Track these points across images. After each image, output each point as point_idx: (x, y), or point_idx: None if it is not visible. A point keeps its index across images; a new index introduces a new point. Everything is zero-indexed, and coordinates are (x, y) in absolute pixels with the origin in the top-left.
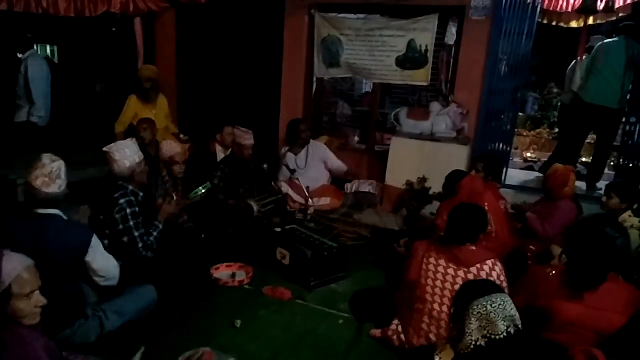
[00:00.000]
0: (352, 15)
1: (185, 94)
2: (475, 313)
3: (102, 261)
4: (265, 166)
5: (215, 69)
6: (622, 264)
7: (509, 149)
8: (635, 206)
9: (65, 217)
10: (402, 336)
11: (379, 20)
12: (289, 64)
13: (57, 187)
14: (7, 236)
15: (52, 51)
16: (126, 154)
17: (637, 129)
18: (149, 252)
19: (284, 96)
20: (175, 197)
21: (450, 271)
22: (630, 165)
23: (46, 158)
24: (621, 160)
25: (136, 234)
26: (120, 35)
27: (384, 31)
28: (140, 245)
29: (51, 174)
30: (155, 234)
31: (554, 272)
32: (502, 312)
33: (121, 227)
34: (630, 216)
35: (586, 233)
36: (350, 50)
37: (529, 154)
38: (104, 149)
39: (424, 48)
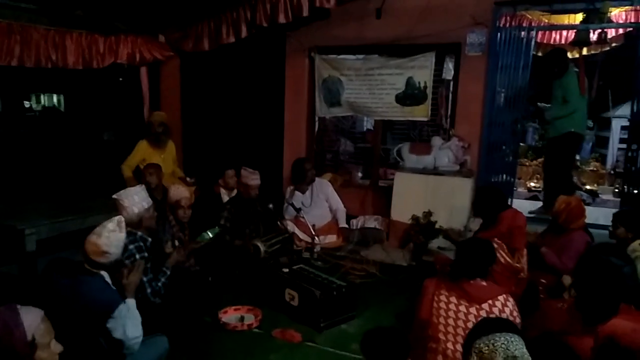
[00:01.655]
0: (351, 56)
1: (190, 137)
2: (476, 352)
3: (122, 334)
4: (270, 206)
5: (218, 112)
6: (632, 293)
7: (512, 179)
8: None
9: (107, 279)
10: None
11: (377, 60)
12: (291, 104)
13: (105, 259)
14: (51, 281)
15: (58, 100)
16: (135, 201)
17: None
18: (157, 298)
19: (287, 136)
20: (184, 240)
21: (462, 308)
22: (635, 191)
23: (105, 229)
24: (625, 187)
25: (145, 279)
26: (127, 84)
27: (383, 70)
28: (149, 290)
29: (102, 245)
30: (163, 279)
31: (565, 306)
32: (503, 351)
33: None
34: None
35: (591, 265)
36: (350, 89)
37: (532, 184)
38: (114, 196)
39: (422, 84)
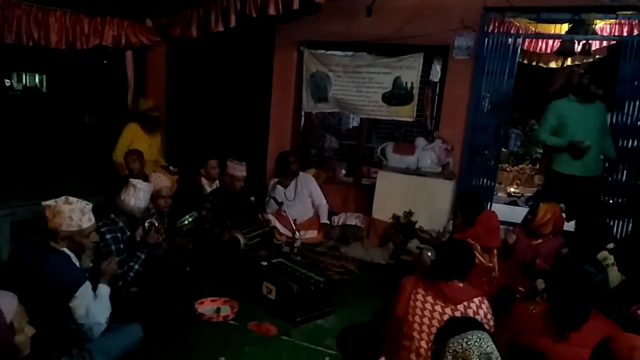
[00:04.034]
0: (339, 53)
1: (174, 125)
2: (450, 350)
3: (83, 315)
4: (252, 198)
5: (204, 101)
6: (602, 300)
7: (493, 184)
8: (611, 245)
9: (72, 257)
10: None
11: (366, 58)
12: (277, 98)
13: (56, 225)
14: (16, 258)
15: (40, 80)
16: (139, 196)
17: None
18: (130, 288)
19: (272, 129)
20: (158, 224)
21: (438, 308)
22: (611, 201)
23: (60, 200)
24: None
25: (119, 271)
26: (111, 67)
27: (371, 68)
28: (120, 283)
29: (54, 211)
30: (136, 267)
31: (536, 309)
32: (477, 349)
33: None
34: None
35: (566, 272)
36: (338, 86)
37: (512, 189)
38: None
39: (409, 85)
